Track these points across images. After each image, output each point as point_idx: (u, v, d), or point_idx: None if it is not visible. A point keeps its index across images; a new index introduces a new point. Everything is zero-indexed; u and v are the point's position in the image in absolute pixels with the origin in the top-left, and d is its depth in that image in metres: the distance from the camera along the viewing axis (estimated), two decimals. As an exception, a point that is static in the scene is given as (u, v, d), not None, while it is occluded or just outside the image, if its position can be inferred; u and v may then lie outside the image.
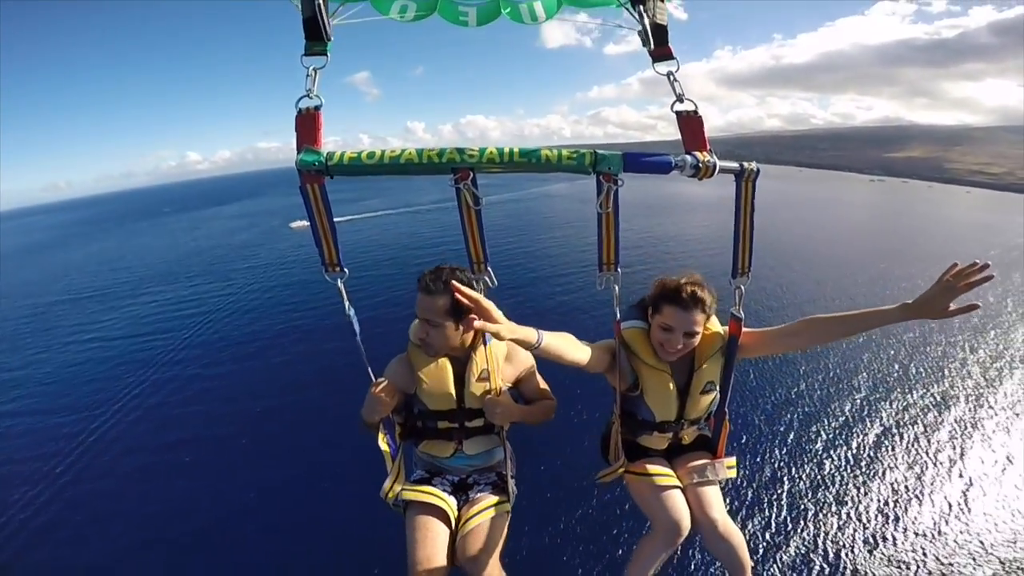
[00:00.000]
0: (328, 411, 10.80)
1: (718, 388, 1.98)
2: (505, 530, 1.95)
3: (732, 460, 2.11)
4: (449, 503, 1.94)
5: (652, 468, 2.01)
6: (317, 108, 1.46)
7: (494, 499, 1.98)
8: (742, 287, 1.79)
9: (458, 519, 1.93)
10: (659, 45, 1.61)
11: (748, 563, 1.94)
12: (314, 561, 7.66)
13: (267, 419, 11.29)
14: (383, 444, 1.95)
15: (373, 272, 21.03)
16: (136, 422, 11.62)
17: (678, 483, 1.99)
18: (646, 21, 1.59)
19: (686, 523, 1.88)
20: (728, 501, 8.11)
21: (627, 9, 1.65)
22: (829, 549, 7.61)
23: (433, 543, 1.81)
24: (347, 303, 1.72)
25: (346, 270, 1.63)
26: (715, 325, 1.95)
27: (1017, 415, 10.86)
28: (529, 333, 1.50)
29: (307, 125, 1.45)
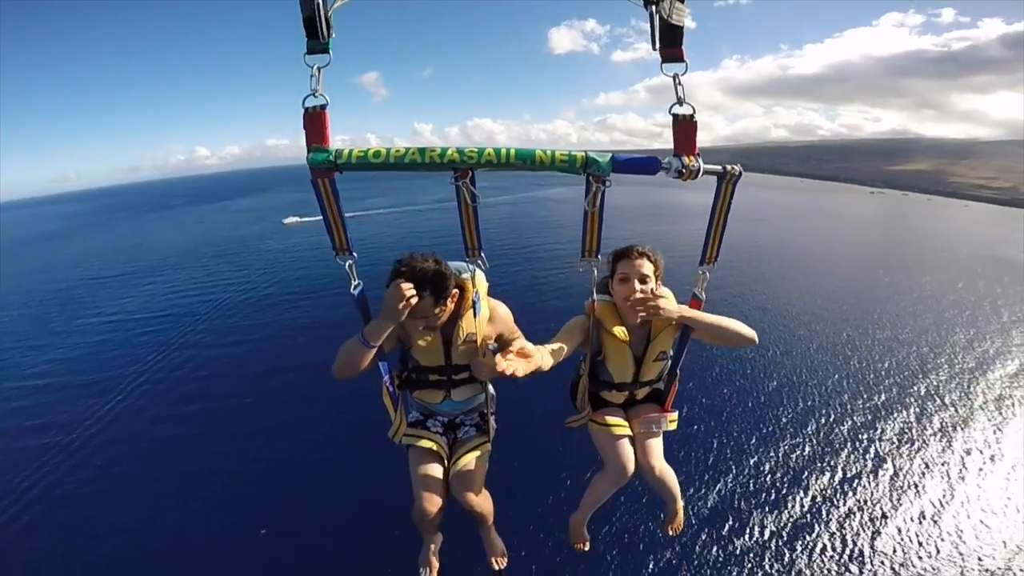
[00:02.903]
0: (329, 381, 11.71)
1: (669, 357, 2.30)
2: (487, 464, 2.35)
3: (674, 415, 2.41)
4: (441, 444, 2.32)
5: (611, 419, 2.35)
6: (323, 107, 1.51)
7: (477, 440, 2.37)
8: (707, 273, 2.00)
9: (449, 457, 2.32)
10: (671, 46, 1.60)
11: (678, 494, 2.44)
12: (319, 502, 8.70)
13: (280, 391, 12.21)
14: (386, 398, 2.25)
15: (380, 267, 21.97)
16: (163, 392, 12.70)
17: (629, 432, 2.34)
18: (656, 21, 1.56)
19: (631, 467, 2.25)
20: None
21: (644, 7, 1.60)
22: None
23: (431, 482, 2.21)
24: (353, 282, 1.87)
25: (355, 254, 1.80)
26: (671, 300, 2.17)
27: (966, 408, 11.64)
28: (544, 362, 1.89)
29: (315, 124, 1.52)
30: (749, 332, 2.07)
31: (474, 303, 2.15)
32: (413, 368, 2.30)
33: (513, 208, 46.83)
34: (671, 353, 2.28)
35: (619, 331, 2.18)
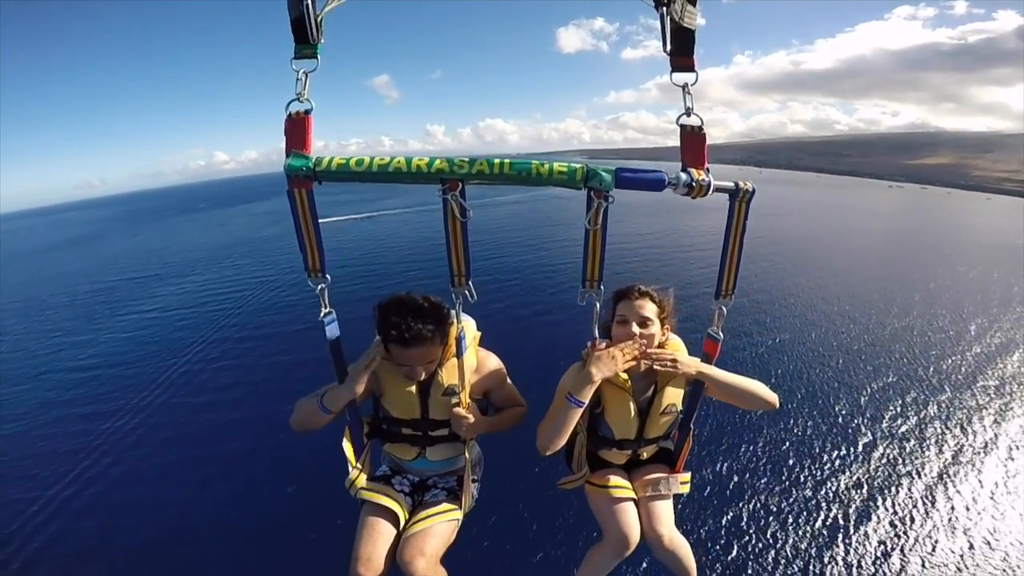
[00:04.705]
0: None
1: (679, 411, 2.03)
2: (451, 536, 1.99)
3: (686, 476, 2.12)
4: (402, 505, 2.00)
5: (611, 480, 2.07)
6: (308, 112, 1.44)
7: (444, 506, 2.03)
8: (724, 308, 1.77)
9: (407, 521, 1.97)
10: (682, 54, 1.51)
11: (693, 570, 2.01)
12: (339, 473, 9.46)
13: (309, 380, 13.05)
14: (347, 446, 1.99)
15: (386, 268, 22.87)
16: (204, 381, 13.61)
17: (633, 495, 2.04)
18: (667, 23, 1.47)
19: (635, 536, 1.93)
20: (692, 510, 8.42)
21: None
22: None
23: (376, 542, 1.87)
24: (324, 309, 1.71)
25: (328, 276, 1.64)
26: (681, 351, 2.01)
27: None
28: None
29: (297, 129, 1.44)
30: (771, 396, 1.89)
31: (459, 341, 1.90)
32: (384, 418, 2.07)
33: (513, 208, 47.36)
34: (681, 407, 2.02)
35: (619, 376, 1.92)
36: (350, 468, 2.00)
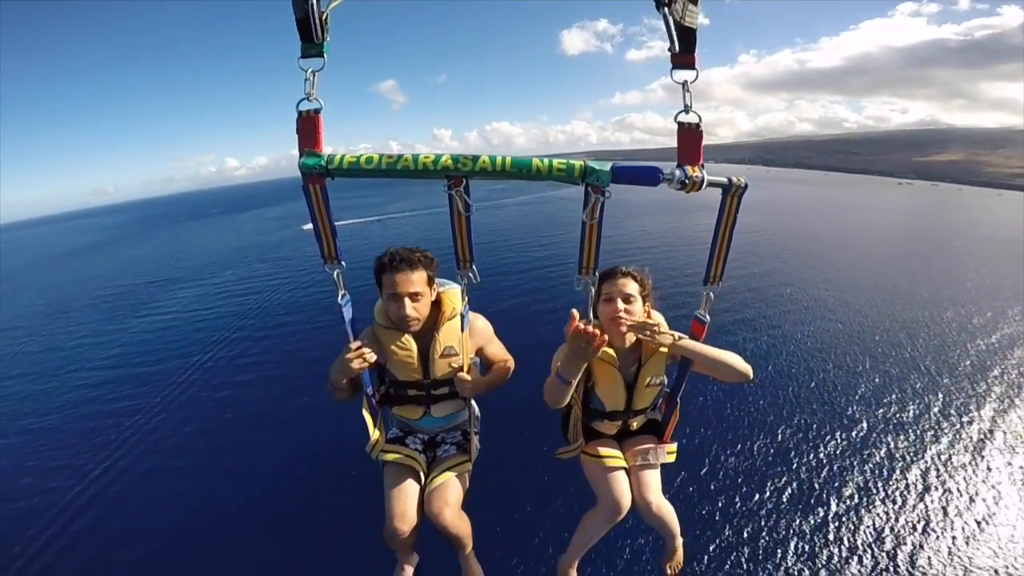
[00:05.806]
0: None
1: (663, 383, 2.19)
2: (466, 484, 2.25)
3: (673, 447, 2.28)
4: (420, 461, 2.23)
5: (604, 451, 2.23)
6: (317, 111, 1.48)
7: (457, 459, 2.27)
8: (711, 294, 1.89)
9: (427, 475, 2.21)
10: (683, 52, 1.54)
11: (677, 531, 2.27)
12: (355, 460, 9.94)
13: (314, 366, 13.16)
14: (365, 412, 2.15)
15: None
16: (227, 377, 14.22)
17: (624, 465, 2.21)
18: (671, 23, 1.50)
19: (626, 503, 2.10)
20: (688, 494, 8.75)
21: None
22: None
23: (406, 498, 2.11)
24: (340, 292, 1.84)
25: (343, 263, 1.76)
26: (662, 324, 2.10)
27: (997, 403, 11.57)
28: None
29: (308, 128, 1.49)
30: (744, 367, 2.01)
31: (462, 316, 2.08)
32: (391, 383, 2.25)
33: (519, 210, 47.80)
34: (664, 379, 2.19)
35: (607, 352, 2.10)
36: (370, 432, 2.18)
